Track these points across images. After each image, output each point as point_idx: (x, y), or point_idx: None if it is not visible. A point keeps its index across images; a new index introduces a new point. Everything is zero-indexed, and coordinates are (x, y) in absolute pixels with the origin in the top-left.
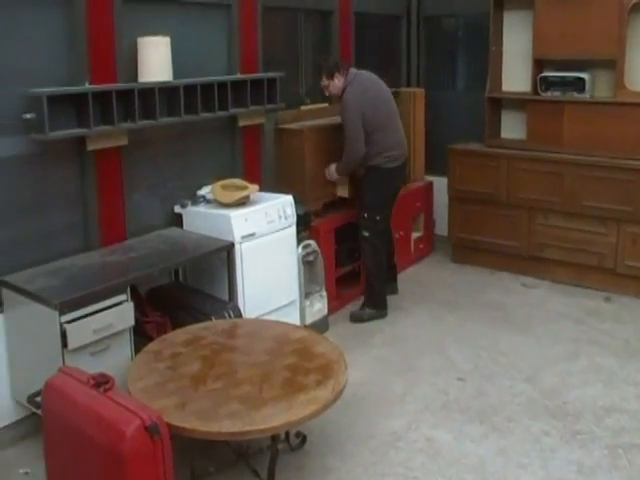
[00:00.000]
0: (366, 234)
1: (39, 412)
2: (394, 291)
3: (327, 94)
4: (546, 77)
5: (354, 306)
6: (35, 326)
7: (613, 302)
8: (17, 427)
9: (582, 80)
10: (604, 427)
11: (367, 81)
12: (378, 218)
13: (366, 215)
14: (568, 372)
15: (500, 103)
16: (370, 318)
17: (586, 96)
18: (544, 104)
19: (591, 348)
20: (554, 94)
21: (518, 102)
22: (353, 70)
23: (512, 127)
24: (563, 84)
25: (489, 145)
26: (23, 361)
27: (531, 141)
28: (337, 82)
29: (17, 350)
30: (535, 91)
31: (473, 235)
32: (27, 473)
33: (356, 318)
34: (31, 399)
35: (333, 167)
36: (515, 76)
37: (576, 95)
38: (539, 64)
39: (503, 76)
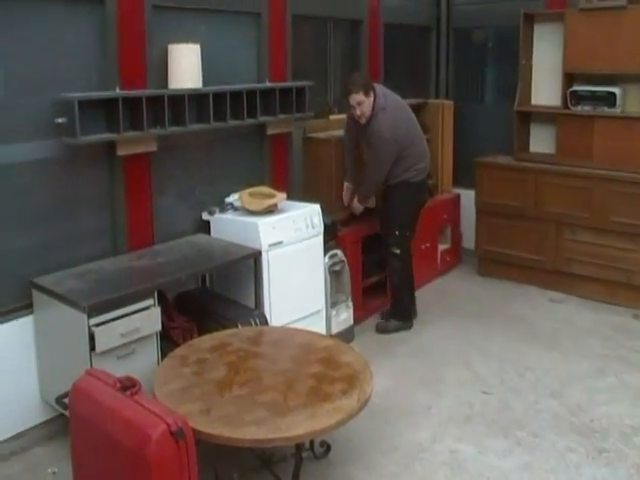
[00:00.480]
0: (397, 251)
1: (66, 413)
2: (410, 327)
3: (358, 114)
4: (576, 91)
5: (380, 316)
6: (64, 328)
7: None
8: (46, 427)
9: (613, 95)
10: (632, 445)
11: (393, 102)
12: (409, 234)
13: (397, 232)
14: (595, 389)
15: (529, 117)
16: (396, 329)
17: (617, 111)
18: (574, 118)
19: (619, 365)
20: (584, 108)
21: (547, 116)
22: (380, 90)
23: (541, 141)
24: (594, 98)
25: (518, 159)
26: (52, 362)
27: (560, 155)
28: (370, 100)
29: (46, 351)
30: (565, 105)
31: (500, 248)
32: (54, 473)
33: (382, 329)
34: (59, 400)
35: (356, 202)
36: (545, 90)
37: (607, 110)
38: (569, 78)
39: (532, 89)
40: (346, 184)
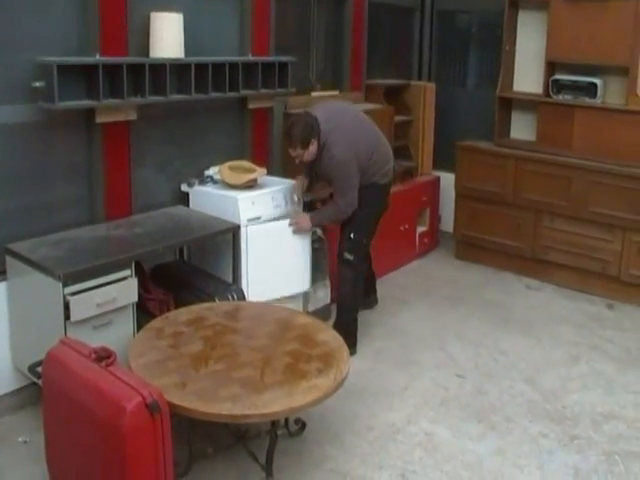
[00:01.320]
0: (350, 257)
1: (39, 382)
2: (372, 304)
3: (297, 162)
4: (558, 80)
5: None
6: (38, 296)
7: (615, 309)
8: (17, 395)
9: (594, 85)
10: (602, 433)
11: (339, 119)
12: (365, 241)
13: (352, 235)
14: (568, 376)
15: (510, 103)
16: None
17: (597, 102)
18: (555, 107)
19: (592, 354)
20: (565, 97)
21: (529, 103)
22: (325, 120)
23: (522, 128)
24: (575, 88)
25: (498, 144)
26: (25, 330)
27: (540, 143)
28: (312, 148)
29: (19, 318)
30: (546, 93)
31: (478, 233)
32: (26, 442)
33: None
34: (32, 369)
35: (305, 219)
36: (527, 77)
37: (587, 100)
38: (551, 66)
39: (515, 76)
40: (300, 177)
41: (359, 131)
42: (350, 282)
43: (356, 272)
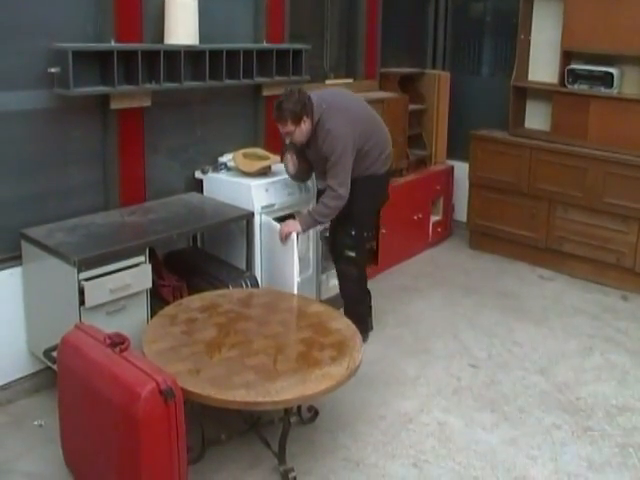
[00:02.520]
0: (352, 254)
1: (54, 367)
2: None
3: (287, 141)
4: (574, 69)
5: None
6: (53, 281)
7: (630, 301)
8: (33, 379)
9: (610, 75)
10: (615, 425)
11: (339, 99)
12: (366, 235)
13: (354, 232)
14: (582, 368)
15: (525, 92)
16: None
17: (613, 92)
18: (570, 97)
19: (606, 345)
20: (581, 87)
21: (544, 93)
22: (319, 100)
23: (536, 117)
24: (591, 78)
25: (513, 134)
26: (40, 315)
27: (555, 133)
28: (304, 126)
29: (34, 303)
30: (562, 83)
31: (492, 223)
32: (41, 425)
33: None
34: (47, 353)
35: (293, 226)
36: (542, 66)
37: (603, 90)
38: (567, 56)
39: (530, 65)
40: (288, 154)
41: (356, 110)
42: (354, 280)
43: (359, 269)
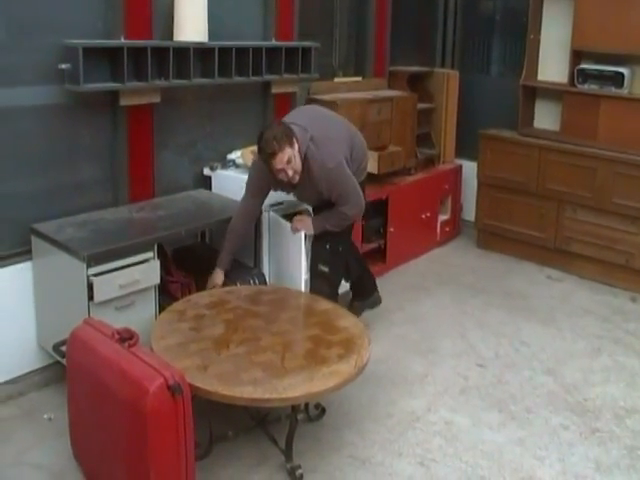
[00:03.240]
0: (324, 269)
1: (63, 361)
2: (377, 302)
3: (290, 175)
4: (584, 69)
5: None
6: (62, 276)
7: (639, 303)
8: (42, 373)
9: (621, 75)
10: (624, 427)
11: (314, 123)
12: (341, 249)
13: (329, 246)
14: (590, 369)
15: (535, 92)
16: (362, 310)
17: (624, 92)
18: (580, 97)
19: (615, 347)
20: (591, 87)
21: (553, 92)
22: (299, 129)
23: (546, 117)
24: (601, 78)
25: (522, 134)
26: (49, 309)
27: (564, 133)
28: (296, 149)
29: (44, 298)
30: (572, 83)
31: (500, 222)
32: (50, 419)
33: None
34: (56, 348)
35: (308, 225)
36: (552, 66)
37: (614, 90)
38: (577, 55)
39: (539, 65)
40: (219, 273)
41: (337, 130)
42: (326, 294)
43: (331, 286)
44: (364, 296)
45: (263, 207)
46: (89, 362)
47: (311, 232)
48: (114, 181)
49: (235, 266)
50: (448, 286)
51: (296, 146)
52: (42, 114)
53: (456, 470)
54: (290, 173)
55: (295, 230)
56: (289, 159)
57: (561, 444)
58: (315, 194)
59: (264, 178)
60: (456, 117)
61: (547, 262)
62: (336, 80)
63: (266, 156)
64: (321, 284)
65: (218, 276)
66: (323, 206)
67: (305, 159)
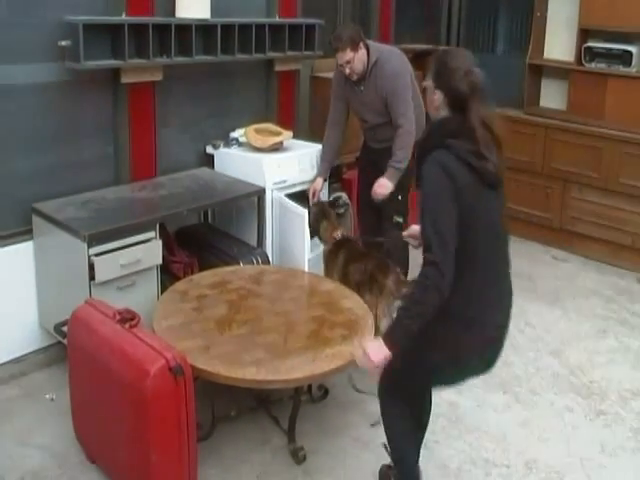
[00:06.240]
0: (399, 220)
1: (64, 341)
2: None
3: (347, 72)
4: (591, 47)
5: None
6: (63, 256)
7: None
8: (44, 353)
9: (629, 53)
10: (629, 409)
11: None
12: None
13: (400, 197)
14: (595, 350)
15: (541, 70)
16: None
17: (632, 70)
18: (587, 75)
19: (620, 328)
20: (598, 66)
21: (560, 71)
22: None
23: (552, 96)
24: (609, 56)
25: (528, 113)
26: (51, 289)
27: (571, 112)
28: (361, 55)
29: (45, 278)
30: (579, 61)
31: None
32: (52, 399)
33: None
34: (57, 328)
35: (385, 182)
36: (558, 44)
37: (622, 69)
38: (584, 33)
39: (546, 43)
40: (318, 180)
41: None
42: (401, 248)
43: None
44: None
45: (266, 186)
46: (90, 343)
47: (391, 187)
48: (116, 160)
49: (237, 245)
50: None
51: (360, 52)
52: (42, 92)
53: (460, 452)
54: (347, 71)
55: (379, 196)
56: (349, 60)
57: (566, 426)
58: (377, 100)
59: (340, 80)
60: None
61: (552, 242)
62: None
63: (334, 49)
64: (397, 234)
65: (318, 182)
66: (379, 127)
67: (375, 64)
